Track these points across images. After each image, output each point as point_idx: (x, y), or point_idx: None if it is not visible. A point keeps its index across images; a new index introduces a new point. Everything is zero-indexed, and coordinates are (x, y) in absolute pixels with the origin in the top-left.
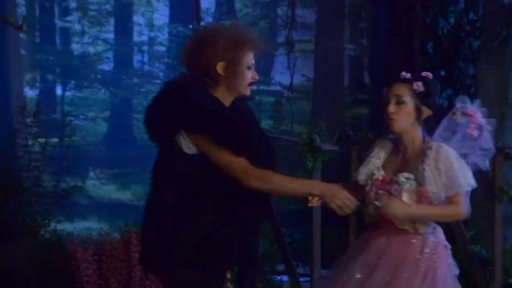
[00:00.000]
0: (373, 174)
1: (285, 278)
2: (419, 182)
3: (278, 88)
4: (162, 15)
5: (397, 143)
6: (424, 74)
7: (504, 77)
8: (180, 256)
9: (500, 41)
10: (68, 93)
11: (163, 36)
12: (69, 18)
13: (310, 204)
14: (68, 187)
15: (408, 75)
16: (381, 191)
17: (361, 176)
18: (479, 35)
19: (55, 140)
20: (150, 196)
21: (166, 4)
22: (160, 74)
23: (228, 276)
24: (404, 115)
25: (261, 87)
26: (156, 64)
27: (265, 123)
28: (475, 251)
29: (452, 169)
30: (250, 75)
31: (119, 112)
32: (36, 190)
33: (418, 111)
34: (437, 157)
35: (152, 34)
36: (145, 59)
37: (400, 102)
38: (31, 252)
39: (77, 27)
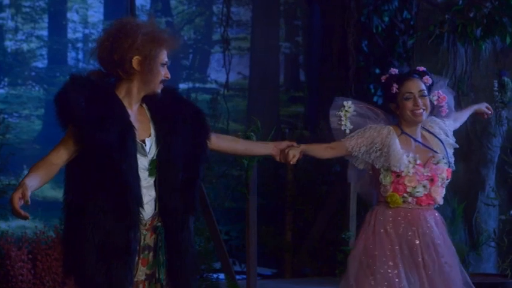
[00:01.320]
0: (415, 158)
1: (222, 275)
2: (447, 160)
3: (214, 86)
4: (96, 12)
5: (402, 130)
6: (423, 68)
7: (437, 75)
8: (79, 254)
9: (434, 39)
10: (1, 91)
11: (98, 33)
12: (2, 15)
13: None
14: (2, 185)
15: (420, 69)
16: (425, 173)
17: (402, 164)
18: (413, 33)
19: None
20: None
21: (101, 1)
22: None
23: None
24: (427, 106)
25: (197, 85)
26: (91, 61)
27: None
28: None
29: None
30: (163, 72)
31: (53, 110)
32: None
33: (431, 102)
34: (439, 126)
35: (87, 31)
36: (80, 56)
37: (424, 96)
38: None
39: (10, 23)
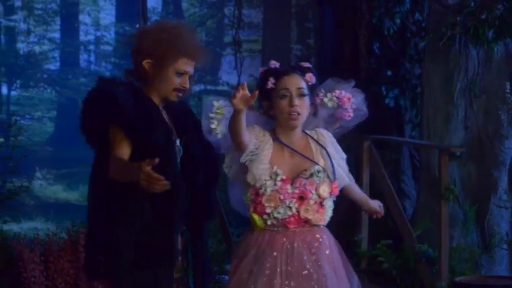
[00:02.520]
0: (276, 173)
1: None
2: (328, 173)
3: (225, 88)
4: (108, 15)
5: (275, 135)
6: (308, 64)
7: (449, 77)
8: (124, 259)
9: (446, 41)
10: (13, 93)
11: (109, 36)
12: (14, 17)
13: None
14: (14, 187)
15: (304, 65)
16: (291, 190)
17: (256, 176)
18: (424, 35)
19: (0, 140)
20: (88, 201)
21: (113, 3)
22: (107, 73)
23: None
24: (306, 108)
25: (209, 87)
26: (103, 63)
27: None
28: (421, 250)
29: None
30: (178, 81)
31: (65, 112)
32: None
33: (312, 104)
34: (331, 140)
35: (98, 33)
36: (92, 59)
37: (303, 95)
38: None
39: (23, 26)
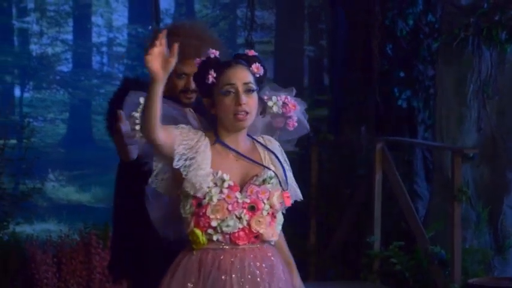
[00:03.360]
0: (222, 179)
1: None
2: (281, 180)
3: None
4: (121, 16)
5: (217, 137)
6: (253, 52)
7: (462, 79)
8: (152, 261)
9: (458, 42)
10: (26, 95)
11: (122, 37)
12: (27, 19)
13: None
14: (27, 189)
15: (249, 54)
16: (241, 199)
17: (195, 184)
18: (437, 36)
19: (13, 141)
20: (114, 202)
21: (125, 5)
22: (120, 75)
23: None
24: (255, 106)
25: None
26: (116, 65)
27: None
28: (434, 252)
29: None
30: (182, 83)
31: (78, 113)
32: None
33: (260, 100)
34: (280, 149)
35: (111, 35)
36: (105, 60)
37: (251, 90)
38: None
39: (35, 28)
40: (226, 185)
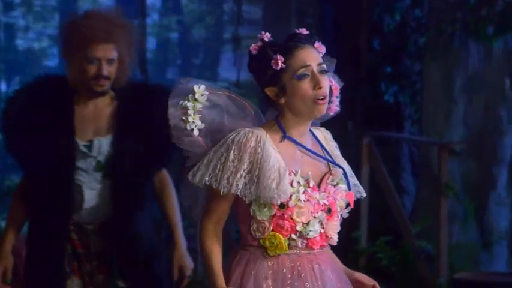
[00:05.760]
0: (307, 178)
1: None
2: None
3: (225, 84)
4: None
5: (282, 131)
6: (305, 30)
7: (449, 74)
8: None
9: (446, 37)
10: (12, 90)
11: None
12: (13, 13)
13: None
14: (13, 184)
15: (304, 33)
16: (321, 200)
17: (286, 190)
18: (424, 31)
19: None
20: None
21: (112, 0)
22: None
23: None
24: (327, 91)
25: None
26: None
27: None
28: (420, 247)
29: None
30: (94, 69)
31: None
32: None
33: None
34: (335, 144)
35: None
36: None
37: (324, 71)
38: None
39: (21, 22)
40: (311, 184)
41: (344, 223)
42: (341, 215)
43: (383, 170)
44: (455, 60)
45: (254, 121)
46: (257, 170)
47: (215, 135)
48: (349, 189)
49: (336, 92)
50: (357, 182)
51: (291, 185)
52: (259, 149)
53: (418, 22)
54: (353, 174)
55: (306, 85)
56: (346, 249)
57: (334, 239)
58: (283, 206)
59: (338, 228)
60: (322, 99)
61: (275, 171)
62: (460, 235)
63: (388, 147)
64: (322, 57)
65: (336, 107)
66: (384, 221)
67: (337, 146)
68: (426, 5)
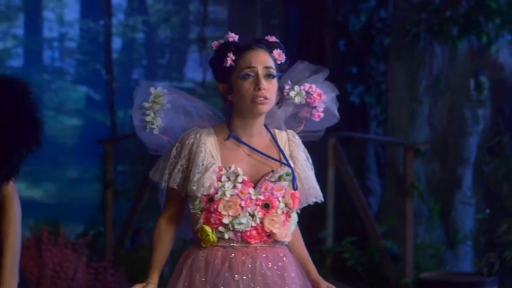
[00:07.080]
0: (235, 173)
1: None
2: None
3: (191, 85)
4: (72, 11)
5: (230, 131)
6: (275, 38)
7: (414, 74)
8: None
9: (410, 38)
10: None
11: (74, 32)
12: None
13: None
14: None
15: (271, 40)
16: (255, 195)
17: (205, 183)
18: (389, 32)
19: None
20: None
21: (77, 0)
22: (71, 70)
23: None
24: (275, 93)
25: (174, 84)
26: (67, 60)
27: None
28: (386, 247)
29: (310, 166)
30: None
31: None
32: None
33: (280, 89)
34: (302, 148)
35: (63, 30)
36: (56, 55)
37: (271, 76)
38: None
39: None
40: (240, 179)
41: (310, 223)
42: (291, 212)
43: (349, 170)
44: (420, 61)
45: (211, 121)
46: (190, 165)
47: (175, 134)
48: (294, 188)
49: (319, 99)
50: (316, 185)
51: (220, 180)
52: (195, 145)
53: (383, 23)
54: (312, 178)
55: (247, 85)
56: (312, 249)
57: (280, 235)
58: (211, 199)
59: (285, 225)
60: (260, 99)
61: (201, 166)
62: (426, 235)
63: (354, 148)
64: (281, 65)
65: (320, 113)
66: (349, 221)
67: (305, 150)
68: (391, 6)
